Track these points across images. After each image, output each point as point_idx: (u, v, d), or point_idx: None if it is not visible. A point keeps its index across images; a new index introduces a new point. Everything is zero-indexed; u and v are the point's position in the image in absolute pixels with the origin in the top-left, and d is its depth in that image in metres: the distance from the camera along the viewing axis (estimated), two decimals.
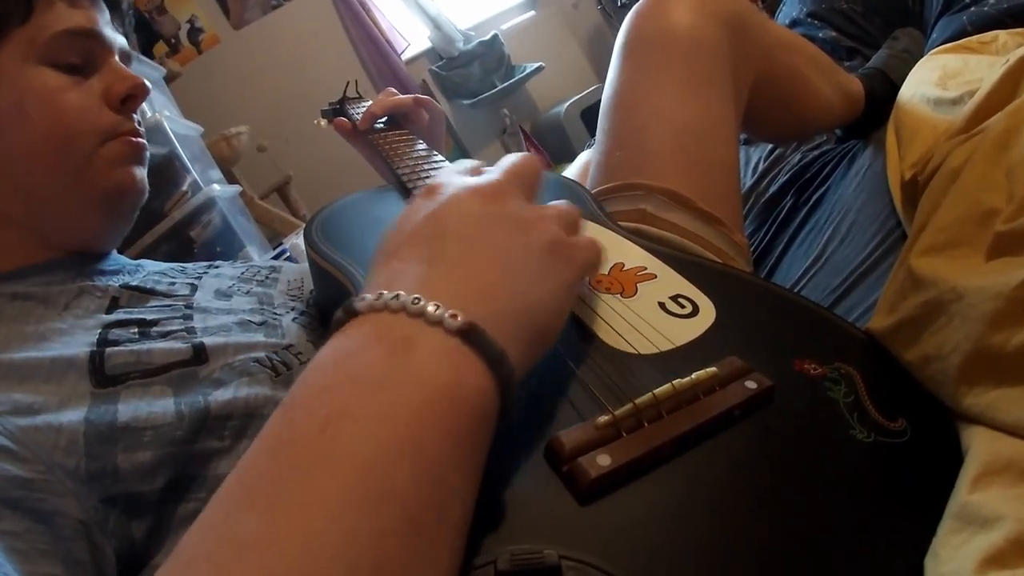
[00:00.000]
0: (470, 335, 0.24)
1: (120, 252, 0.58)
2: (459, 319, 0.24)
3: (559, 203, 0.34)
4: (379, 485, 0.21)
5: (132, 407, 0.36)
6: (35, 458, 0.32)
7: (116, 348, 0.40)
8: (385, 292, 0.26)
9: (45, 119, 0.46)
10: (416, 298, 0.25)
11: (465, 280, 0.27)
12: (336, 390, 0.23)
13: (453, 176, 0.33)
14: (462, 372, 0.24)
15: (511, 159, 0.35)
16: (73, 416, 0.35)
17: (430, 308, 0.25)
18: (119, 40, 0.52)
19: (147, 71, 2.08)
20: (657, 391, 0.30)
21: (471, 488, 0.24)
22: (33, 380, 0.36)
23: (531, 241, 0.30)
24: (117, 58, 0.51)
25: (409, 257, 0.28)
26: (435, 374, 0.23)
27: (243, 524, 0.20)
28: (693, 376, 0.31)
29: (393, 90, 0.68)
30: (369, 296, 0.26)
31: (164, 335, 0.43)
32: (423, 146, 0.60)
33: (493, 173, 0.33)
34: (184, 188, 1.76)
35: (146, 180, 0.53)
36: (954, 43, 0.75)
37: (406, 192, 0.51)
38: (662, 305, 0.40)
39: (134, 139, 0.51)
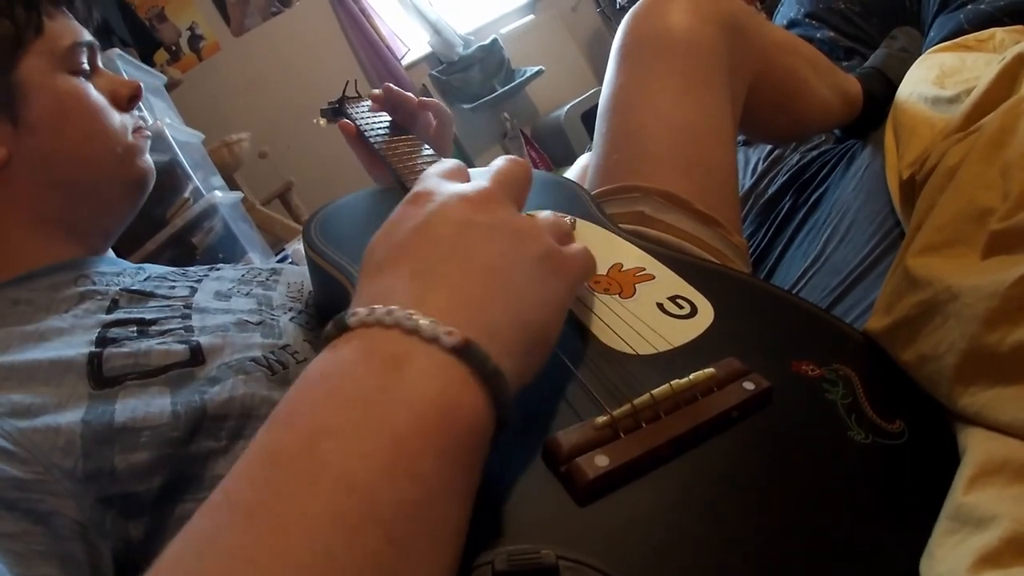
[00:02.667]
0: (465, 352, 0.24)
1: (122, 259, 0.59)
2: (454, 336, 0.24)
3: (547, 213, 0.34)
4: (362, 505, 0.20)
5: (129, 408, 0.37)
6: (33, 459, 0.32)
7: (114, 349, 0.40)
8: (378, 307, 0.25)
9: (86, 119, 0.52)
10: (410, 314, 0.24)
11: (458, 294, 0.26)
12: (322, 406, 0.23)
13: (441, 183, 0.32)
14: (455, 389, 0.23)
15: (499, 164, 0.34)
16: (71, 417, 0.35)
17: (424, 324, 0.24)
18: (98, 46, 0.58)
19: (148, 79, 2.09)
20: (655, 392, 0.30)
21: (464, 507, 0.23)
22: (32, 382, 0.36)
23: (524, 252, 0.29)
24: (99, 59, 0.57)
25: (400, 269, 0.28)
26: (426, 391, 0.23)
27: (223, 538, 0.20)
28: (691, 377, 0.31)
29: (391, 85, 0.68)
30: (361, 311, 0.25)
31: (162, 334, 0.44)
32: (429, 151, 0.60)
33: (482, 179, 0.33)
34: (186, 195, 1.77)
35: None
36: (951, 41, 0.75)
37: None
38: (660, 306, 0.40)
39: (145, 131, 0.58)
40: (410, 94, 0.67)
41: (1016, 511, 0.23)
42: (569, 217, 0.48)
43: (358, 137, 0.67)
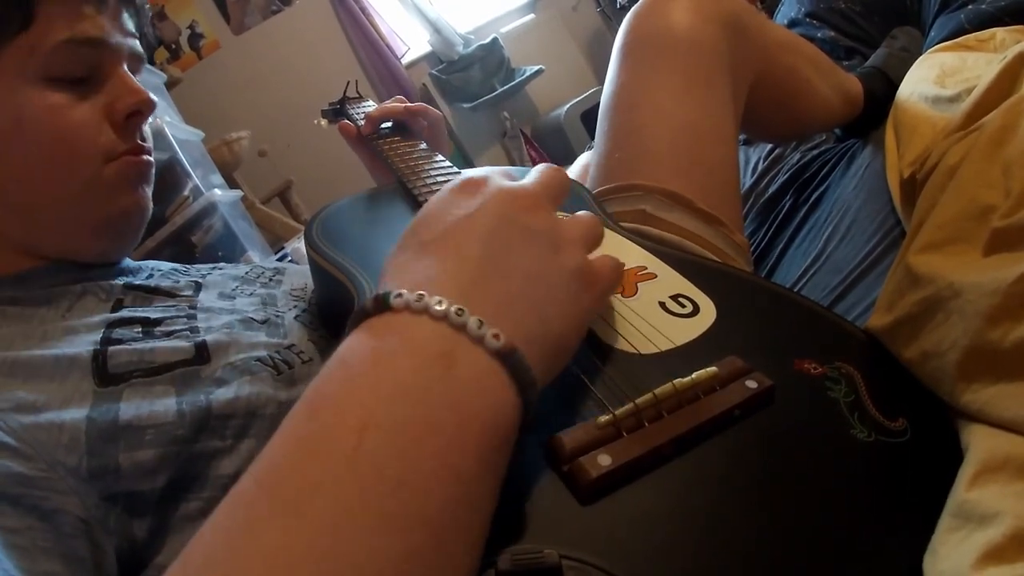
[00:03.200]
0: (508, 358, 0.24)
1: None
2: (500, 339, 0.24)
3: (585, 216, 0.34)
4: (409, 506, 0.20)
5: (134, 406, 0.36)
6: (37, 456, 0.32)
7: (119, 347, 0.40)
8: (426, 294, 0.25)
9: (44, 140, 0.44)
10: (460, 309, 0.24)
11: (503, 296, 0.26)
12: (368, 398, 0.22)
13: (493, 175, 0.32)
14: (497, 397, 0.24)
15: (543, 170, 0.35)
16: (75, 414, 0.35)
17: (472, 323, 0.24)
18: (129, 45, 0.48)
19: (148, 77, 2.09)
20: (657, 391, 0.30)
21: (492, 505, 0.24)
22: (36, 379, 0.36)
23: (562, 263, 0.29)
24: (126, 66, 0.48)
25: (444, 254, 0.27)
26: (473, 397, 0.23)
27: (264, 532, 0.19)
28: (693, 376, 0.31)
29: (403, 98, 0.68)
30: (407, 294, 0.25)
31: (167, 334, 0.43)
32: (425, 149, 0.60)
33: (529, 182, 0.33)
34: (185, 193, 1.77)
35: (150, 197, 0.51)
36: (952, 41, 0.75)
37: (410, 195, 0.52)
38: (662, 305, 0.40)
39: (136, 158, 0.48)
40: (396, 105, 0.66)
41: (1019, 507, 0.23)
42: None
43: (358, 138, 0.67)
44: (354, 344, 0.25)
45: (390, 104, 0.66)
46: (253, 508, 0.20)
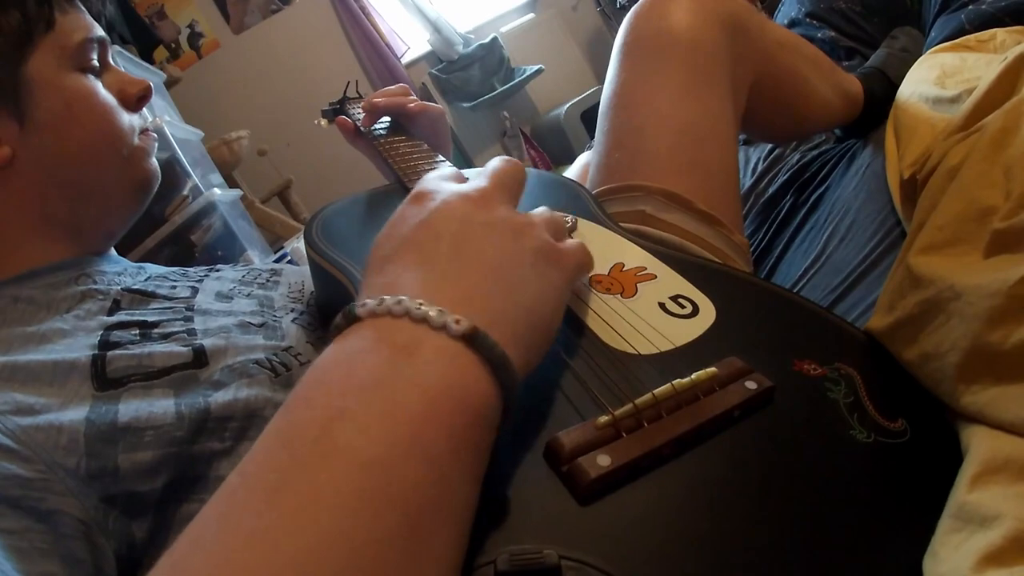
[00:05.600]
0: (473, 339, 0.25)
1: (122, 256, 0.59)
2: (462, 324, 0.25)
3: (543, 210, 0.35)
4: (379, 485, 0.21)
5: (133, 408, 0.37)
6: (36, 457, 0.32)
7: (117, 351, 0.40)
8: (387, 297, 0.26)
9: (94, 119, 0.51)
10: (419, 303, 0.25)
11: (463, 285, 0.27)
12: (337, 390, 0.23)
13: (441, 183, 0.34)
14: (465, 375, 0.24)
15: (495, 164, 0.35)
16: (74, 416, 0.35)
17: (433, 313, 0.25)
18: (109, 42, 0.56)
19: (147, 76, 2.09)
20: (657, 391, 0.30)
21: (473, 491, 0.24)
22: (35, 383, 0.36)
23: (522, 246, 0.30)
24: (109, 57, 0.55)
25: (406, 262, 0.29)
26: (439, 377, 0.24)
27: (243, 518, 0.20)
28: (693, 376, 0.31)
29: (406, 87, 0.67)
30: (370, 301, 0.26)
31: (165, 337, 0.43)
32: (425, 148, 0.60)
33: (480, 180, 0.34)
34: (185, 192, 1.77)
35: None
36: (952, 42, 0.75)
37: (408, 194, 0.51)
38: (662, 305, 0.40)
39: (151, 133, 0.57)
40: (399, 99, 0.65)
41: (1019, 510, 0.23)
42: (570, 217, 0.48)
43: (356, 134, 0.66)
44: (327, 353, 0.26)
45: (393, 97, 0.65)
46: (234, 496, 0.21)
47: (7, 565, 0.27)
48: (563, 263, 0.32)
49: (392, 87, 0.67)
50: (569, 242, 0.34)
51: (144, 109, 0.57)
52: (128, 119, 0.54)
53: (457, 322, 0.25)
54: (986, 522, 0.23)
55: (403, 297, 0.26)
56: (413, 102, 0.65)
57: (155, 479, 0.35)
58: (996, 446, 0.27)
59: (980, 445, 0.28)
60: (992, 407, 0.28)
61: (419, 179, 0.52)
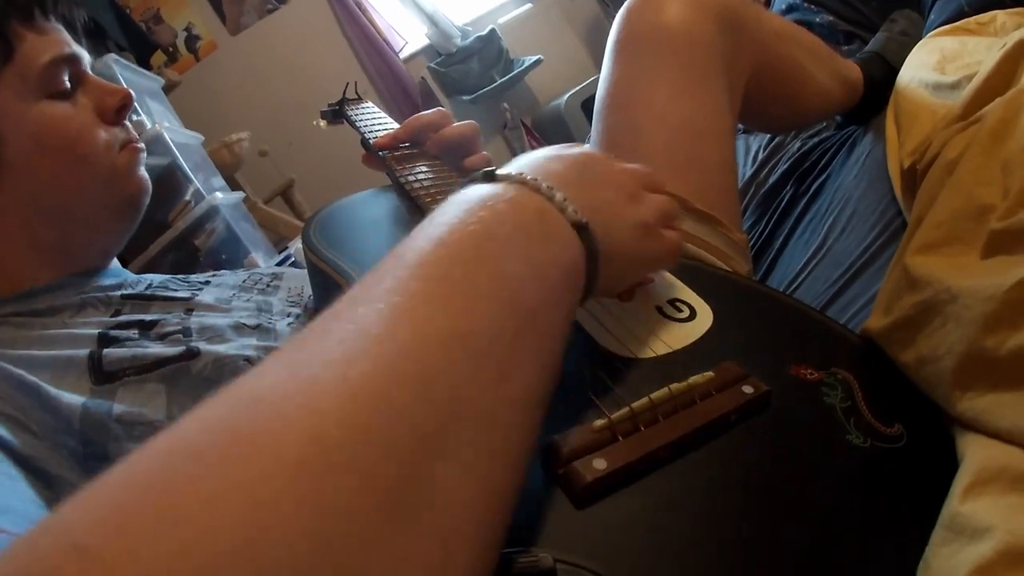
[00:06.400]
0: (583, 231, 0.28)
1: (125, 264, 0.61)
2: (579, 214, 0.28)
3: (665, 197, 0.38)
4: (503, 292, 0.23)
5: (126, 404, 0.39)
6: (43, 435, 0.35)
7: (114, 348, 0.42)
8: (525, 172, 0.29)
9: (67, 147, 0.50)
10: (550, 186, 0.29)
11: (583, 201, 0.30)
12: (478, 225, 0.25)
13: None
14: (573, 252, 0.28)
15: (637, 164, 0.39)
16: (70, 400, 0.37)
17: (559, 196, 0.28)
18: (85, 54, 0.54)
19: (145, 82, 2.09)
20: (653, 395, 0.30)
21: (556, 349, 0.25)
22: (39, 372, 0.39)
23: (635, 210, 0.34)
24: (89, 69, 0.54)
25: (539, 168, 0.32)
26: (555, 243, 0.27)
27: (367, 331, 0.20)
28: (689, 380, 0.31)
29: (427, 115, 0.58)
30: (511, 173, 0.29)
31: (162, 336, 0.45)
32: (427, 152, 0.56)
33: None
34: (187, 198, 1.77)
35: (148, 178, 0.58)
36: (952, 25, 0.74)
37: (409, 198, 0.49)
38: (659, 309, 0.40)
39: (135, 144, 0.55)
40: (426, 120, 0.57)
41: (1010, 522, 0.23)
42: None
43: (373, 158, 0.58)
44: (468, 192, 0.28)
45: (414, 132, 0.57)
46: (349, 306, 0.22)
47: (32, 492, 0.31)
48: (657, 244, 0.35)
49: (429, 112, 0.58)
50: (671, 233, 0.37)
51: (143, 115, 0.57)
52: (105, 136, 0.52)
53: (575, 211, 0.28)
54: (977, 534, 0.23)
55: (537, 176, 0.29)
56: (438, 133, 0.56)
57: None
58: (990, 455, 0.27)
59: (975, 454, 0.28)
60: (988, 414, 0.28)
61: (423, 190, 0.50)
